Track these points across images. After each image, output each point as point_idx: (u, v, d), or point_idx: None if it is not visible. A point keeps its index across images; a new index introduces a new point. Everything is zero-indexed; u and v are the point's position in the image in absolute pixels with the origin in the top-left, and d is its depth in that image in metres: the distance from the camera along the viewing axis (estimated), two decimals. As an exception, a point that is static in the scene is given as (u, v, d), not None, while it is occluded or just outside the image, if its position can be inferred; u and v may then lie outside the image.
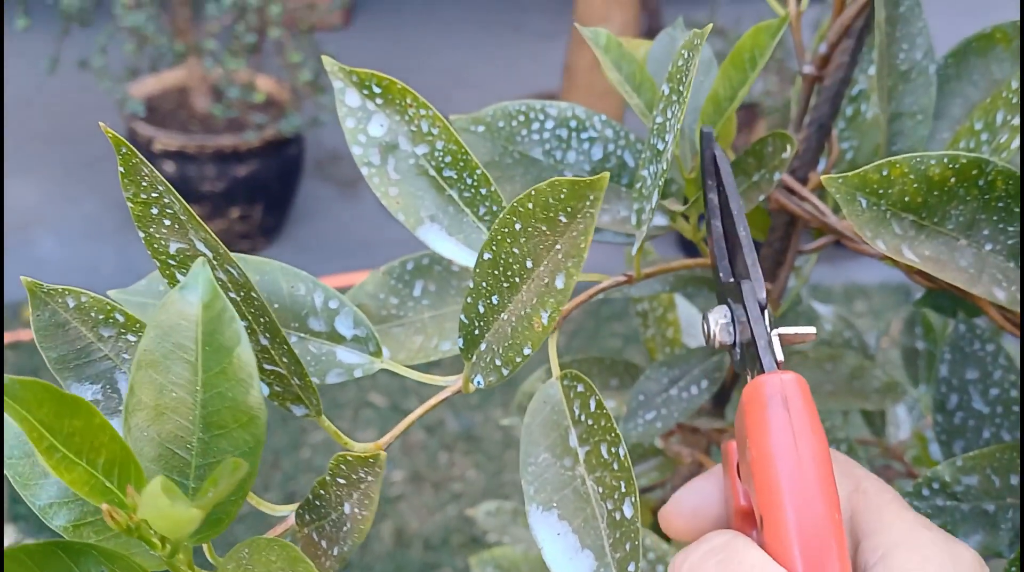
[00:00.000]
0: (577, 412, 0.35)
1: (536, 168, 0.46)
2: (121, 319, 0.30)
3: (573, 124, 0.45)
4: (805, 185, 0.50)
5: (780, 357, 0.33)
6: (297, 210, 2.84)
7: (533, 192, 0.29)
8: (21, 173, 2.92)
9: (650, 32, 2.55)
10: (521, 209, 0.30)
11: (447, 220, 0.38)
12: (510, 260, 0.31)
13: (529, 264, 0.31)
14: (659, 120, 0.37)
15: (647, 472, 0.59)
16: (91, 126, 3.12)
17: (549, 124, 0.46)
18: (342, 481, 0.30)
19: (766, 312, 0.34)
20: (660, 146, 0.37)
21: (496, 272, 0.31)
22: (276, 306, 0.35)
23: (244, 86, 2.47)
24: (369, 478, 0.30)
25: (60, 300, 0.29)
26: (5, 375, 0.23)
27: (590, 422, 0.35)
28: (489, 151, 0.45)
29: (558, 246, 0.30)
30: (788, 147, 0.41)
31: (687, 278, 0.54)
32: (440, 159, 0.38)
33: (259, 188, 2.58)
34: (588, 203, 0.28)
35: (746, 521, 0.33)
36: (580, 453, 0.35)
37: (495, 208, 0.38)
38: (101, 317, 0.30)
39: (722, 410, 0.61)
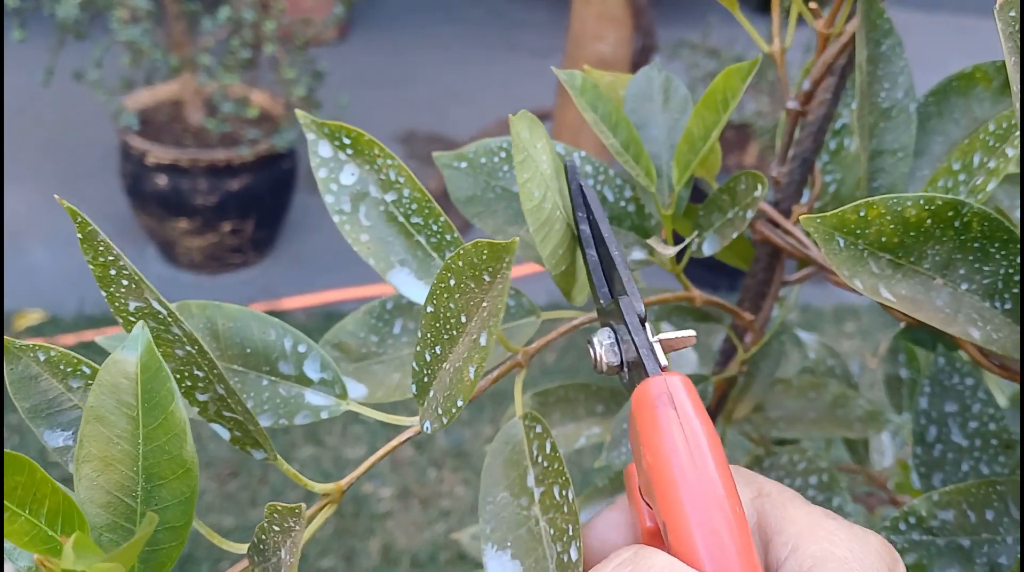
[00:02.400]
0: (535, 453, 0.36)
1: (518, 203, 0.46)
2: (87, 371, 0.32)
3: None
4: (788, 218, 0.51)
5: (664, 362, 0.32)
6: (289, 224, 2.84)
7: (461, 251, 0.30)
8: (14, 182, 2.92)
9: (643, 50, 2.57)
10: (453, 266, 0.31)
11: (416, 264, 0.39)
12: (447, 314, 0.32)
13: (463, 318, 0.32)
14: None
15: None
16: (84, 138, 3.13)
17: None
18: (276, 528, 0.31)
19: (646, 324, 0.34)
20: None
21: (437, 324, 0.33)
22: (248, 350, 0.37)
23: (238, 101, 2.48)
24: (296, 527, 0.31)
25: (32, 354, 0.31)
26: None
27: (546, 464, 0.36)
28: (471, 186, 0.45)
29: (485, 304, 0.31)
30: (759, 186, 0.42)
31: (670, 308, 0.54)
32: (407, 206, 0.39)
33: (252, 202, 2.58)
34: (504, 265, 0.29)
35: (654, 541, 0.33)
36: (536, 493, 0.35)
37: (459, 254, 0.39)
38: (69, 370, 0.31)
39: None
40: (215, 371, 0.31)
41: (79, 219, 0.29)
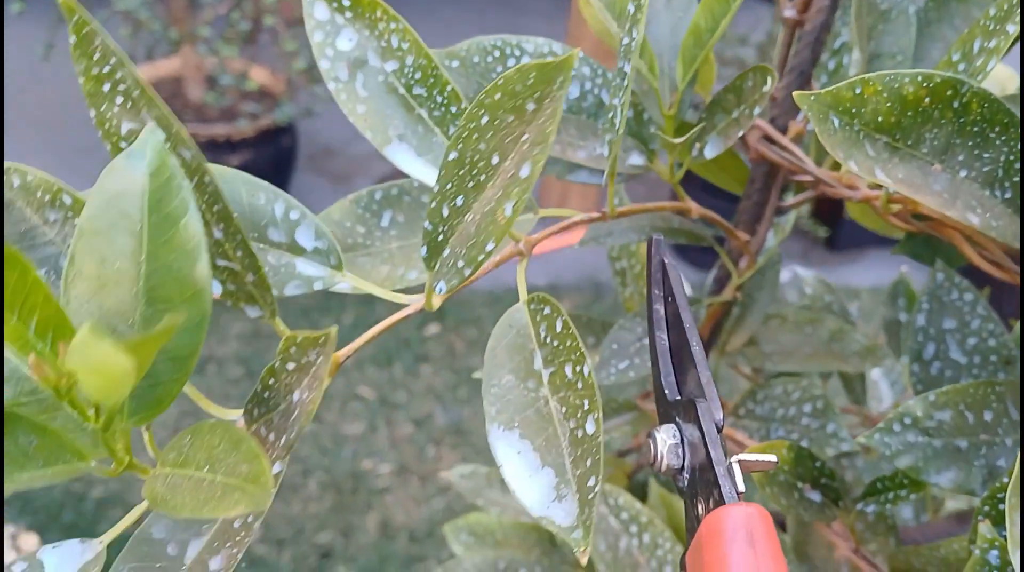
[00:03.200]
0: (543, 334, 0.35)
1: (512, 105, 0.45)
2: (68, 201, 0.29)
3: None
4: (785, 134, 0.50)
5: (741, 487, 0.30)
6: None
7: (500, 81, 0.28)
8: (13, 158, 2.90)
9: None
10: (488, 100, 0.29)
11: (416, 140, 0.37)
12: (476, 157, 0.30)
13: (495, 160, 0.30)
14: (625, 41, 0.37)
15: (620, 426, 0.58)
16: (83, 114, 3.11)
17: (525, 59, 0.45)
18: (291, 366, 0.29)
19: (722, 434, 0.32)
20: (627, 68, 0.36)
21: (461, 172, 0.30)
22: (235, 215, 0.34)
23: (238, 75, 2.46)
24: (319, 359, 0.29)
25: (6, 178, 0.28)
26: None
27: (555, 343, 0.34)
28: (463, 86, 0.44)
29: (525, 136, 0.29)
30: (768, 79, 0.40)
31: (664, 229, 0.53)
32: (410, 76, 0.37)
33: (251, 178, 2.56)
34: (556, 87, 0.27)
35: None
36: (544, 375, 0.34)
37: (465, 127, 0.37)
38: (47, 198, 0.29)
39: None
40: (216, 208, 0.28)
41: (76, 18, 0.26)
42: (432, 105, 0.37)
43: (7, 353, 0.24)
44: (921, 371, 0.46)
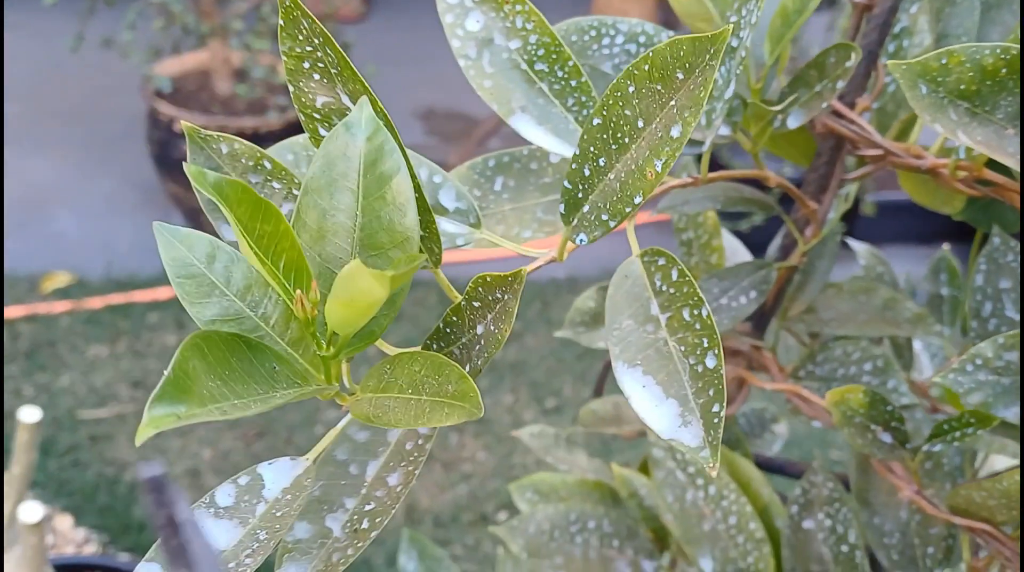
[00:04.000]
0: (659, 283, 0.38)
1: (605, 82, 0.49)
2: (268, 166, 0.33)
3: (642, 39, 0.49)
4: (852, 109, 0.54)
5: None
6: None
7: (651, 54, 0.32)
8: (41, 150, 2.95)
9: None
10: (636, 71, 0.32)
11: (536, 111, 0.41)
12: (620, 122, 0.34)
13: (640, 124, 0.33)
14: (733, 19, 0.41)
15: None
16: (110, 106, 3.16)
17: (619, 39, 0.49)
18: (477, 304, 0.33)
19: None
20: (734, 43, 0.40)
21: (605, 136, 0.34)
22: (418, 178, 0.38)
23: (268, 68, 2.51)
24: (507, 297, 0.32)
25: (215, 146, 0.33)
26: (215, 174, 0.26)
27: (672, 291, 0.38)
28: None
29: (672, 102, 0.32)
30: (852, 55, 0.44)
31: (737, 198, 0.57)
32: (532, 53, 0.41)
33: (277, 170, 2.61)
34: (708, 56, 0.31)
35: None
36: (662, 319, 0.38)
37: (584, 99, 0.41)
38: (251, 163, 0.33)
39: (761, 333, 0.64)
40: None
41: (287, 3, 0.30)
42: (552, 79, 0.41)
43: (269, 290, 0.28)
44: (979, 327, 0.50)
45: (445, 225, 0.39)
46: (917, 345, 0.81)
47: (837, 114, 0.53)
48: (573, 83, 0.41)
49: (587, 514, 0.66)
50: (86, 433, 2.16)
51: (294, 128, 2.57)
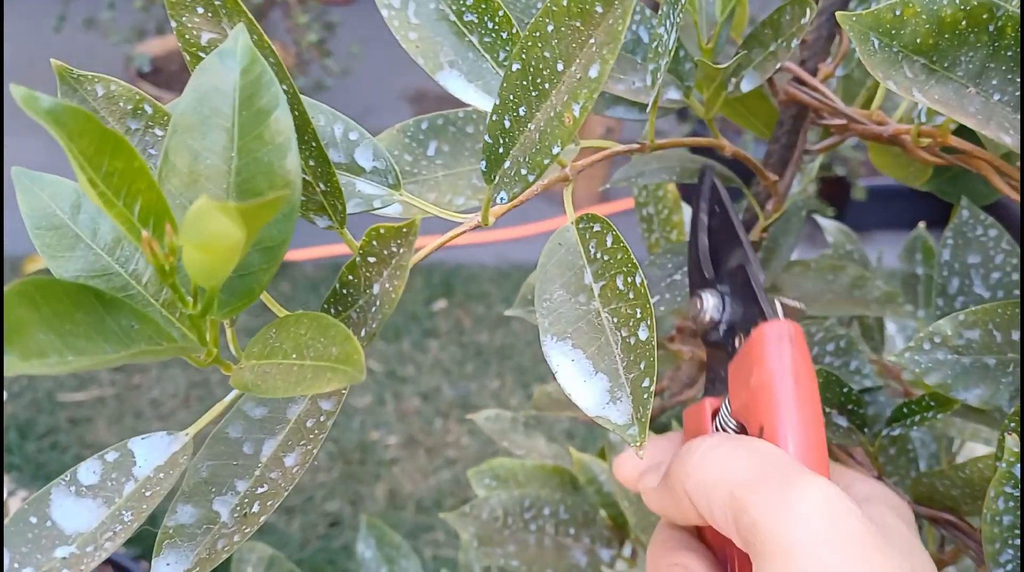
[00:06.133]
0: (593, 251, 0.36)
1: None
2: (149, 111, 0.30)
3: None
4: (815, 76, 0.51)
5: (781, 315, 0.37)
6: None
7: None
8: (28, 133, 2.91)
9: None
10: (555, 8, 0.30)
11: (466, 66, 0.38)
12: (540, 66, 0.31)
13: (560, 67, 0.31)
14: None
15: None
16: (95, 88, 3.12)
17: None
18: (373, 259, 0.31)
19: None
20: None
21: (524, 82, 0.32)
22: (311, 127, 0.35)
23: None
24: (401, 250, 0.30)
25: (89, 87, 0.29)
26: (50, 98, 0.23)
27: (606, 258, 0.35)
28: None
29: (592, 40, 0.30)
30: (807, 11, 0.41)
31: (694, 170, 0.54)
32: (461, 3, 0.38)
33: (262, 152, 2.57)
34: None
35: None
36: (595, 289, 0.35)
37: (515, 52, 0.38)
38: (129, 107, 0.30)
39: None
40: (295, 113, 0.28)
41: None
42: (483, 31, 0.38)
43: (117, 235, 0.25)
44: (946, 305, 0.47)
45: (362, 186, 0.36)
46: (892, 327, 0.79)
47: (799, 81, 0.50)
48: (504, 35, 0.38)
49: (542, 500, 0.63)
50: (65, 416, 2.13)
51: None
